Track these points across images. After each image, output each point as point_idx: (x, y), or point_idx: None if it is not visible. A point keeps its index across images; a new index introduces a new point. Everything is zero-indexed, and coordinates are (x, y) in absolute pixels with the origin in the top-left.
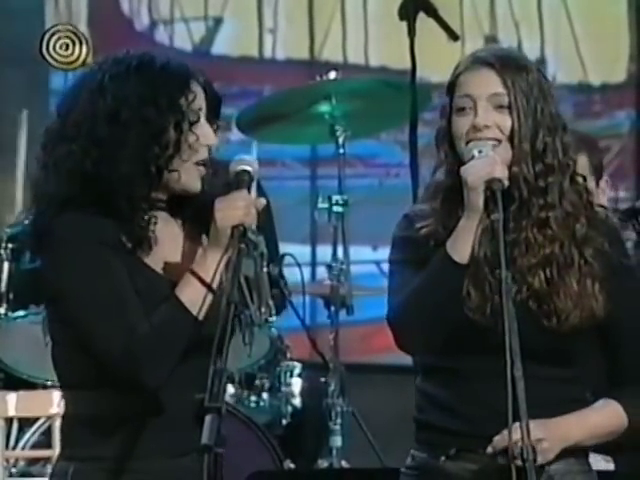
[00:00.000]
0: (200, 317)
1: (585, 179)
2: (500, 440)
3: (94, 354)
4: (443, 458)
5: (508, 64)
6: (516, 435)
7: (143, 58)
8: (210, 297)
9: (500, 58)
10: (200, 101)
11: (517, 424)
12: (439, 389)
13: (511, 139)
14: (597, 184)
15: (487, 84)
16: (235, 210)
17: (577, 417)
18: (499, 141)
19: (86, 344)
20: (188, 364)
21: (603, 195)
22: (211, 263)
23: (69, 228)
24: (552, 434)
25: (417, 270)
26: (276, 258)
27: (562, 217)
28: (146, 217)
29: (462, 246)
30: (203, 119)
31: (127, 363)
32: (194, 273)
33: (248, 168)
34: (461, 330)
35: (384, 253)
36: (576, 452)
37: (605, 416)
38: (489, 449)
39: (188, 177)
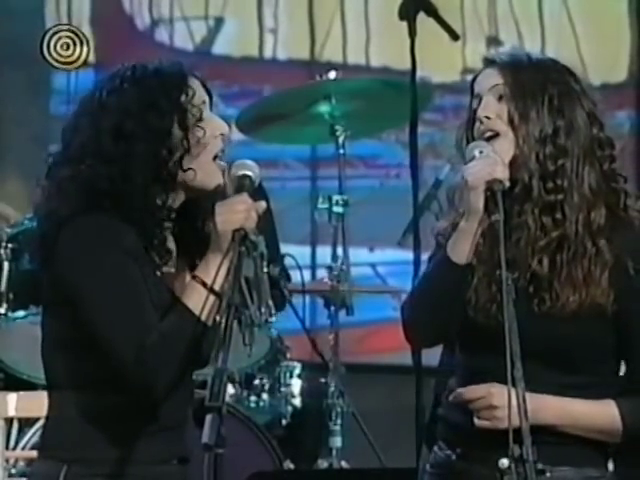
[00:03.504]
0: (209, 322)
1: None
2: (459, 394)
3: (108, 358)
4: (454, 457)
5: (511, 60)
6: (473, 395)
7: (136, 67)
8: (215, 301)
9: (503, 55)
10: (201, 95)
11: (494, 385)
12: (459, 387)
13: (512, 125)
14: None
15: (488, 79)
16: (235, 214)
17: (558, 401)
18: (498, 134)
19: (101, 347)
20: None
21: None
22: (213, 267)
23: (91, 230)
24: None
25: None
26: (277, 259)
27: (578, 202)
28: (165, 226)
29: (461, 247)
30: (208, 112)
31: (138, 371)
32: (197, 278)
33: (249, 173)
34: (475, 330)
35: (381, 255)
36: (590, 458)
37: (595, 411)
38: (451, 397)
39: (204, 174)
